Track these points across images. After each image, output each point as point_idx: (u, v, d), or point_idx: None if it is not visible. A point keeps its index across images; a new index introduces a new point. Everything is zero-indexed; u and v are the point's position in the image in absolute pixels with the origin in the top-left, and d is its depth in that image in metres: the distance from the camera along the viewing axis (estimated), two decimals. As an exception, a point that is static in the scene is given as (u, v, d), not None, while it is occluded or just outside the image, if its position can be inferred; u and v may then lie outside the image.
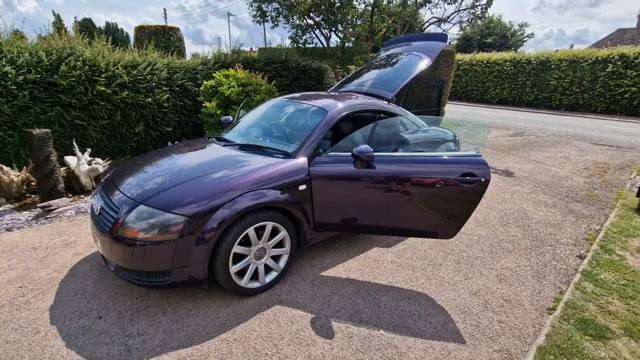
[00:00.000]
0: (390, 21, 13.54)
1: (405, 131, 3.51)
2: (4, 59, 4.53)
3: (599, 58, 13.66)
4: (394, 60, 4.57)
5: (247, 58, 7.48)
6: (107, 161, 4.97)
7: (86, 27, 18.11)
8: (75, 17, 28.76)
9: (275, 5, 10.61)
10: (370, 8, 12.03)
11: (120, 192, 2.43)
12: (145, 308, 2.37)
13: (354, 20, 10.69)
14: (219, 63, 7.06)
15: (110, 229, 2.21)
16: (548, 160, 6.69)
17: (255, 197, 2.34)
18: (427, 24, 14.81)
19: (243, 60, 7.27)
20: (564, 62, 14.65)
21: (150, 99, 5.85)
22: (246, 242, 2.39)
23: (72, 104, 5.05)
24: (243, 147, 2.98)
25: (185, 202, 2.20)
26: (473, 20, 13.44)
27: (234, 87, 5.89)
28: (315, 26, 10.88)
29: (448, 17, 13.19)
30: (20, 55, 4.67)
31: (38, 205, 3.94)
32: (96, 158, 4.79)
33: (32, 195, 4.32)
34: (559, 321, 2.29)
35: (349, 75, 4.89)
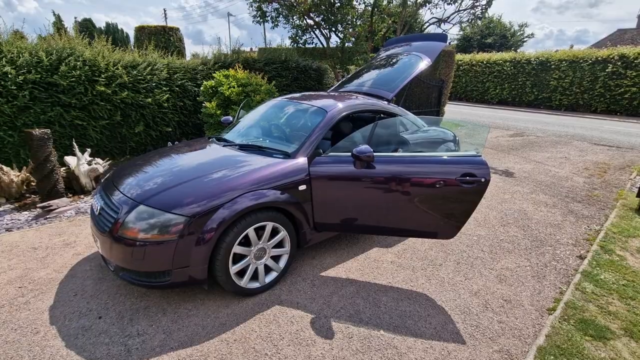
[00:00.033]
0: (390, 21, 13.55)
1: (405, 131, 3.51)
2: (4, 59, 4.53)
3: (599, 58, 13.67)
4: (393, 61, 4.57)
5: (247, 58, 7.48)
6: (107, 161, 4.97)
7: (86, 27, 18.11)
8: (75, 18, 28.79)
9: (275, 5, 10.61)
10: (370, 8, 12.04)
11: (120, 192, 2.43)
12: (145, 308, 2.37)
13: (354, 20, 10.70)
14: (219, 63, 7.06)
15: (110, 229, 2.21)
16: (548, 160, 6.69)
17: (255, 197, 2.34)
18: (427, 24, 14.83)
19: (243, 60, 7.28)
20: (564, 62, 14.65)
21: (150, 99, 5.85)
22: (246, 242, 2.39)
23: (72, 104, 5.05)
24: (243, 147, 2.98)
25: (185, 202, 2.20)
26: (473, 21, 13.46)
27: (234, 87, 5.89)
28: (315, 26, 10.88)
29: (448, 17, 13.21)
30: (20, 55, 4.67)
31: (38, 205, 3.94)
32: (96, 158, 4.79)
33: (32, 196, 4.32)
34: (559, 321, 2.29)
35: (349, 76, 4.89)
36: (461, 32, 27.23)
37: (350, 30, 10.63)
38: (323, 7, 9.86)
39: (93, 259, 2.98)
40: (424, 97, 9.16)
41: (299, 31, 11.06)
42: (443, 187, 2.49)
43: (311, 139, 2.78)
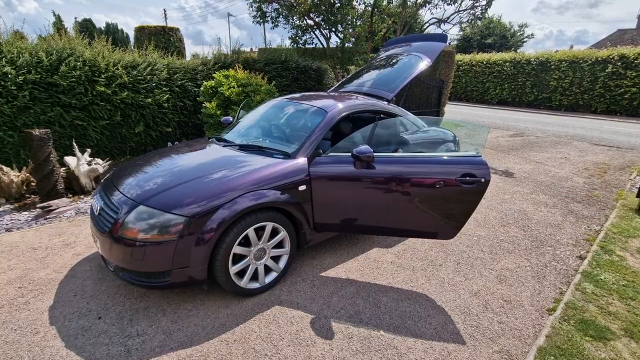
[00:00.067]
0: (390, 22, 13.56)
1: (405, 132, 3.51)
2: (4, 59, 4.53)
3: (599, 59, 13.67)
4: (393, 61, 4.57)
5: (247, 58, 7.48)
6: (106, 161, 4.97)
7: (86, 27, 18.10)
8: (75, 18, 28.80)
9: (275, 5, 10.61)
10: (370, 9, 12.04)
11: (120, 192, 2.43)
12: (144, 309, 2.37)
13: (354, 20, 10.70)
14: (219, 63, 7.06)
15: (110, 229, 2.21)
16: (548, 160, 6.69)
17: (255, 197, 2.33)
18: (427, 24, 14.83)
19: (243, 60, 7.28)
20: (563, 62, 14.65)
21: (150, 100, 5.85)
22: (246, 242, 2.39)
23: (72, 105, 5.05)
24: (243, 148, 2.98)
25: (185, 202, 2.20)
26: (473, 21, 13.47)
27: (234, 87, 5.89)
28: (315, 27, 10.88)
29: (448, 17, 13.22)
30: (20, 55, 4.67)
31: (38, 205, 3.94)
32: (96, 158, 4.79)
33: (32, 196, 4.32)
34: (559, 322, 2.29)
35: (349, 76, 4.89)
36: (461, 33, 27.27)
37: (350, 30, 10.63)
38: (323, 8, 9.87)
39: (93, 259, 2.97)
40: (424, 97, 9.16)
41: (299, 31, 11.07)
42: (443, 187, 2.49)
43: (311, 139, 2.78)
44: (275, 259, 2.63)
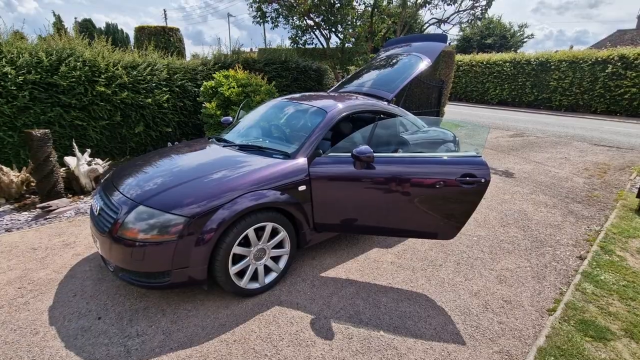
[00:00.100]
0: (390, 22, 13.58)
1: (405, 132, 3.51)
2: (4, 59, 4.53)
3: (599, 59, 13.67)
4: (393, 61, 4.57)
5: (247, 59, 7.48)
6: (106, 162, 4.97)
7: (86, 27, 18.10)
8: (75, 18, 28.80)
9: (275, 6, 10.62)
10: (370, 9, 12.06)
11: (120, 192, 2.43)
12: (144, 309, 2.37)
13: (354, 21, 10.70)
14: (218, 64, 7.06)
15: (110, 229, 2.21)
16: (548, 161, 6.69)
17: (255, 197, 2.33)
18: (427, 24, 14.86)
19: (243, 61, 7.28)
20: (563, 63, 14.65)
21: (150, 100, 5.85)
22: (246, 242, 2.39)
23: (72, 105, 5.05)
24: (243, 148, 2.98)
25: (185, 202, 2.19)
26: (473, 21, 13.50)
27: (233, 87, 5.89)
28: (315, 27, 10.89)
29: (448, 18, 13.25)
30: (20, 55, 4.67)
31: (37, 205, 3.94)
32: (96, 159, 4.79)
33: (32, 196, 4.31)
34: (559, 322, 2.29)
35: (349, 76, 4.89)
36: (461, 33, 27.28)
37: (350, 30, 10.63)
38: (323, 8, 9.87)
39: (92, 260, 2.97)
40: (424, 97, 9.16)
41: (299, 32, 11.07)
42: (443, 187, 2.49)
43: (311, 140, 2.78)
44: (275, 259, 2.63)
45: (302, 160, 2.66)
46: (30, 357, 1.96)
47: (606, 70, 13.45)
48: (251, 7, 10.77)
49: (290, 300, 2.50)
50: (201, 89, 6.23)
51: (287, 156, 2.70)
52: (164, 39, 12.11)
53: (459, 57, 18.49)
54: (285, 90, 7.88)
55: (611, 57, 13.37)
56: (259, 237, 2.43)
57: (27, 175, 4.30)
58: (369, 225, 2.73)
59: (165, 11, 39.64)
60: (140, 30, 12.36)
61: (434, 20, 13.72)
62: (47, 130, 4.03)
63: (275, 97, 4.52)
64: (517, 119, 12.59)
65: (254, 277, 2.52)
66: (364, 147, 2.48)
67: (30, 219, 3.75)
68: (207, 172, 2.49)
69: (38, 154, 3.94)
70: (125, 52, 5.97)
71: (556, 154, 7.25)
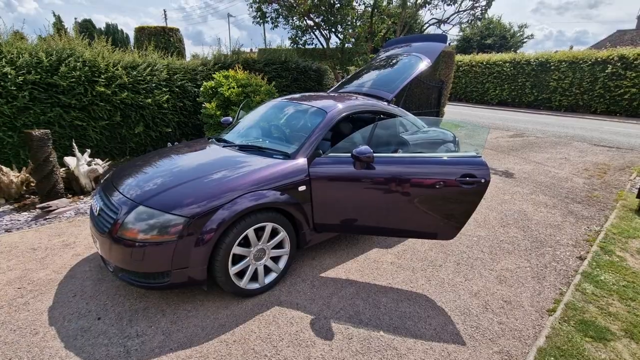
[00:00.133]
0: (390, 22, 13.58)
1: (405, 132, 3.51)
2: (3, 59, 4.53)
3: (599, 59, 13.67)
4: (393, 61, 4.58)
5: (247, 59, 7.48)
6: (106, 162, 4.97)
7: (86, 28, 18.11)
8: (75, 18, 28.80)
9: (275, 6, 10.62)
10: (370, 9, 12.06)
11: (120, 193, 2.42)
12: (144, 309, 2.37)
13: (354, 21, 10.71)
14: (218, 64, 7.06)
15: (110, 229, 2.20)
16: (548, 161, 6.69)
17: (255, 198, 2.33)
18: (427, 25, 14.86)
19: (243, 61, 7.28)
20: (563, 63, 14.66)
21: (150, 100, 5.85)
22: (246, 243, 2.39)
23: (71, 105, 5.05)
24: (243, 148, 2.98)
25: (185, 203, 2.19)
26: (472, 22, 13.50)
27: (233, 88, 5.89)
28: (315, 27, 10.89)
29: (448, 18, 13.25)
30: (20, 56, 4.67)
31: (37, 206, 3.93)
32: (96, 159, 4.79)
33: (32, 196, 4.31)
34: (559, 323, 2.28)
35: (349, 76, 4.89)
36: (461, 33, 27.28)
37: (350, 31, 10.63)
38: (323, 8, 9.87)
39: (92, 260, 2.97)
40: (424, 97, 9.17)
41: (299, 32, 11.07)
42: (443, 187, 2.49)
43: (311, 140, 2.78)
44: (275, 259, 2.63)
45: (302, 161, 2.66)
46: (29, 357, 1.96)
47: (606, 71, 13.46)
48: (251, 7, 10.77)
49: (290, 300, 2.50)
50: (201, 89, 6.23)
51: (287, 156, 2.70)
52: (164, 39, 12.12)
53: (458, 57, 18.50)
54: (285, 90, 7.88)
55: (611, 57, 13.37)
56: (258, 238, 2.43)
57: (27, 175, 4.30)
58: (369, 226, 2.73)
59: (165, 11, 39.70)
60: (140, 31, 12.37)
61: (434, 21, 13.72)
62: (47, 131, 4.03)
63: (275, 98, 4.52)
64: (517, 119, 12.60)
65: (254, 278, 2.52)
66: (364, 148, 2.48)
67: (30, 219, 3.75)
68: (207, 173, 2.49)
69: (38, 154, 3.94)
70: (125, 53, 5.97)
71: (556, 154, 7.25)
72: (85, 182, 4.50)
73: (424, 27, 16.05)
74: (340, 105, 3.10)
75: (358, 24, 10.95)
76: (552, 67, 14.99)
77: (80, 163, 4.45)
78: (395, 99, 3.94)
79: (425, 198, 2.55)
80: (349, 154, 2.56)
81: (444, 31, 13.80)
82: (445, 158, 2.58)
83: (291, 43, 11.45)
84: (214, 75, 6.23)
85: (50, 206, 3.88)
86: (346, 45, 10.85)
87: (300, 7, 9.80)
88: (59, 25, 15.83)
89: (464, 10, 12.83)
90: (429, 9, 12.79)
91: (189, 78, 6.56)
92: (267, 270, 2.60)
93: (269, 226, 2.45)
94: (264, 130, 3.46)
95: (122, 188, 2.48)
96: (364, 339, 2.15)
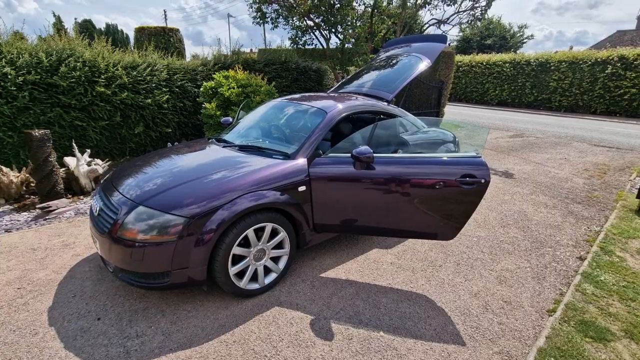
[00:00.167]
0: (390, 22, 13.59)
1: (404, 132, 3.51)
2: (3, 59, 4.53)
3: (599, 59, 13.68)
4: (393, 62, 4.58)
5: (247, 59, 7.49)
6: (106, 162, 4.97)
7: (86, 28, 18.11)
8: (75, 19, 28.81)
9: (275, 6, 10.62)
10: (370, 9, 12.07)
11: (120, 193, 2.42)
12: (144, 310, 2.37)
13: (354, 21, 10.71)
14: (218, 64, 7.06)
15: (109, 230, 2.20)
16: (548, 161, 6.69)
17: (255, 198, 2.33)
18: (427, 25, 14.87)
19: (243, 61, 7.28)
20: (563, 63, 14.67)
21: (150, 100, 5.85)
22: (245, 243, 2.38)
23: (71, 105, 5.04)
24: (243, 148, 2.98)
25: (185, 203, 2.19)
26: (472, 22, 13.51)
27: (233, 88, 5.89)
28: (315, 27, 10.89)
29: (448, 18, 13.26)
30: (20, 56, 4.67)
31: (37, 206, 3.93)
32: (96, 159, 4.79)
33: (32, 196, 4.31)
34: (559, 323, 2.28)
35: (349, 77, 4.89)
36: (461, 34, 27.29)
37: (350, 31, 10.64)
38: (323, 8, 9.87)
39: (92, 260, 2.97)
40: (424, 98, 9.16)
41: (299, 32, 11.07)
42: (443, 188, 2.49)
43: (311, 140, 2.78)
44: (275, 259, 2.63)
45: (301, 161, 2.66)
46: (29, 357, 1.96)
47: (606, 71, 13.47)
48: (251, 7, 10.78)
49: (290, 300, 2.50)
50: (201, 89, 6.23)
51: (287, 157, 2.70)
52: (164, 39, 12.13)
53: (458, 57, 18.51)
54: (285, 90, 7.88)
55: (611, 57, 13.38)
56: (258, 238, 2.43)
57: (27, 175, 4.30)
58: (369, 226, 2.73)
59: (165, 12, 39.73)
60: (140, 31, 12.38)
61: (434, 21, 13.74)
62: (46, 131, 4.03)
63: (275, 98, 4.52)
64: (517, 120, 12.60)
65: (254, 278, 2.52)
66: (364, 148, 2.48)
67: (29, 219, 3.75)
68: (207, 173, 2.49)
69: (38, 154, 3.94)
70: (125, 53, 5.97)
71: (556, 155, 7.25)
72: (85, 182, 4.50)
73: (424, 28, 16.07)
74: (340, 106, 3.10)
75: (358, 24, 10.96)
76: (552, 68, 15.00)
77: (80, 163, 4.45)
78: (395, 99, 3.94)
79: (425, 198, 2.55)
80: (349, 154, 2.55)
81: (443, 31, 13.82)
82: (445, 158, 2.58)
83: (291, 43, 11.45)
84: (214, 76, 6.24)
85: (50, 206, 3.88)
86: (346, 45, 10.85)
87: (300, 8, 9.80)
88: (59, 25, 15.84)
89: (464, 11, 12.85)
90: (428, 10, 12.81)
91: (189, 78, 6.56)
92: (267, 270, 2.59)
93: (268, 226, 2.44)
94: (264, 130, 3.46)
95: (122, 188, 2.48)
96: (364, 340, 2.15)
